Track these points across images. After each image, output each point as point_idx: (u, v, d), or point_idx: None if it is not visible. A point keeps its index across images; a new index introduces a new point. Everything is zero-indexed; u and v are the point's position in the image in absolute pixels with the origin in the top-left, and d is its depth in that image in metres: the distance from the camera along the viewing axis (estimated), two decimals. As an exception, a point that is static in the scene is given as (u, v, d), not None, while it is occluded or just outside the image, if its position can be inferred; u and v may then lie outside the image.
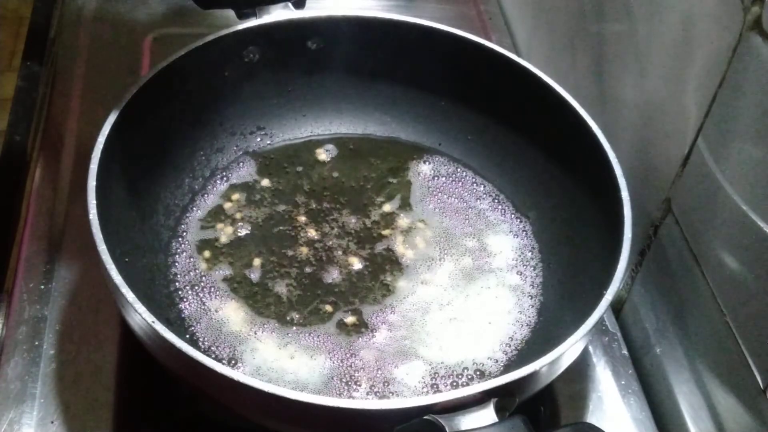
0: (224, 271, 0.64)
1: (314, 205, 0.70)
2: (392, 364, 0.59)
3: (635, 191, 0.58)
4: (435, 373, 0.59)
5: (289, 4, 0.71)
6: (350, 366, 0.59)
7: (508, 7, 1.00)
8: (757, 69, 0.50)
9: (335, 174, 0.73)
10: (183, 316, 0.61)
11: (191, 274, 0.64)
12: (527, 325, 0.63)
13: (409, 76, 0.75)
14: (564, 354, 0.50)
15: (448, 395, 0.46)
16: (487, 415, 0.46)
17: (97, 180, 0.55)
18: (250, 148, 0.73)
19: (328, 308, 0.62)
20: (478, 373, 0.60)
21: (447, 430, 0.45)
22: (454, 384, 0.59)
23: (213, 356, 0.59)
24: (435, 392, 0.58)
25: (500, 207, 0.71)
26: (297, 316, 0.62)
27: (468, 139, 0.75)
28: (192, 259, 0.65)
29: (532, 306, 0.64)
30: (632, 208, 0.57)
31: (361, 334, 0.61)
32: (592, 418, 0.62)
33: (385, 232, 0.68)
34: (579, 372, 0.64)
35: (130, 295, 0.50)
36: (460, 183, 0.73)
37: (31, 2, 0.92)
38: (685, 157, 0.59)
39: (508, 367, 0.60)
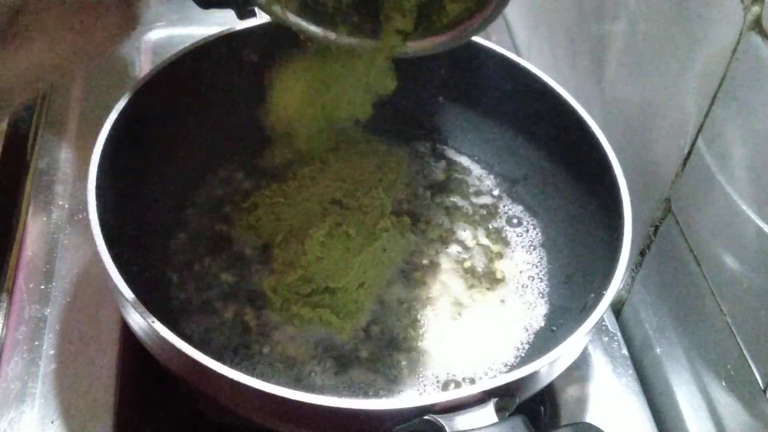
0: (224, 270, 0.64)
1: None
2: (395, 365, 0.59)
3: (635, 191, 0.58)
4: (437, 375, 0.59)
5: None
6: (352, 367, 0.59)
7: (508, 8, 1.00)
8: (757, 69, 0.50)
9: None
10: (183, 316, 0.61)
11: (191, 274, 0.64)
12: (529, 325, 0.63)
13: (409, 76, 0.75)
14: (564, 354, 0.50)
15: (448, 395, 0.46)
16: (487, 415, 0.46)
17: (97, 180, 0.56)
18: (250, 148, 0.73)
19: (331, 309, 0.62)
20: (485, 374, 0.59)
21: (447, 430, 0.45)
22: (457, 384, 0.59)
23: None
24: (436, 392, 0.58)
25: (500, 207, 0.71)
26: (298, 316, 0.61)
27: (468, 138, 0.75)
28: (192, 259, 0.65)
29: (533, 306, 0.64)
30: (632, 208, 0.57)
31: (364, 334, 0.61)
32: (592, 418, 0.62)
33: (387, 233, 0.68)
34: (579, 372, 0.64)
35: (130, 295, 0.50)
36: (460, 183, 0.73)
37: (31, 2, 0.92)
38: (685, 157, 0.59)
39: (509, 368, 0.60)
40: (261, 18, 0.69)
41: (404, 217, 0.69)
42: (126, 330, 0.60)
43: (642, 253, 0.67)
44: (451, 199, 0.72)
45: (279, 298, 0.62)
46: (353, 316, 0.62)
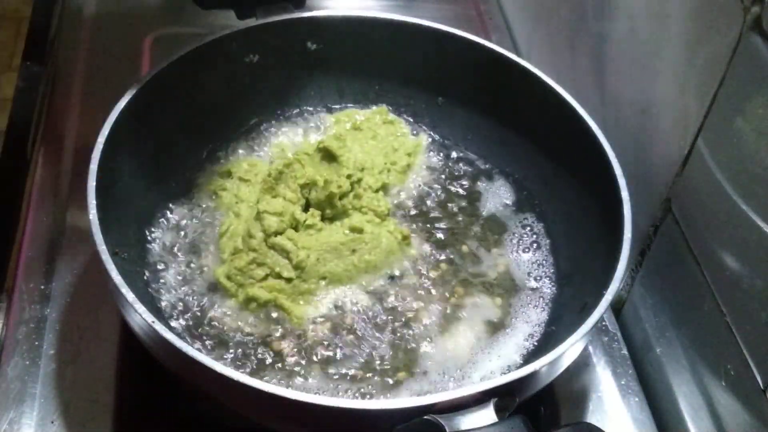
0: (224, 271, 0.64)
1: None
2: (396, 365, 0.59)
3: (635, 191, 0.59)
4: (437, 375, 0.59)
5: (289, 4, 0.71)
6: (354, 368, 0.59)
7: (508, 7, 1.00)
8: (757, 69, 0.50)
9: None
10: (183, 316, 0.61)
11: (191, 274, 0.64)
12: (529, 325, 0.63)
13: (409, 76, 0.75)
14: (564, 354, 0.50)
15: (448, 395, 0.46)
16: (487, 415, 0.46)
17: (97, 180, 0.56)
18: (249, 147, 0.73)
19: (331, 308, 0.62)
20: (485, 374, 0.59)
21: (447, 429, 0.45)
22: (457, 384, 0.59)
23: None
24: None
25: (500, 206, 0.71)
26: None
27: (468, 138, 0.75)
28: (192, 259, 0.65)
29: (533, 306, 0.64)
30: (632, 208, 0.57)
31: (365, 333, 0.61)
32: (592, 418, 0.62)
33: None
34: (579, 372, 0.64)
35: (130, 295, 0.50)
36: (460, 182, 0.73)
37: (31, 2, 0.92)
38: (685, 157, 0.59)
39: (509, 368, 0.60)
40: (261, 18, 0.70)
41: (404, 218, 0.68)
42: (126, 330, 0.60)
43: (642, 253, 0.67)
44: (448, 198, 0.71)
45: (233, 284, 0.61)
46: (309, 305, 0.61)
